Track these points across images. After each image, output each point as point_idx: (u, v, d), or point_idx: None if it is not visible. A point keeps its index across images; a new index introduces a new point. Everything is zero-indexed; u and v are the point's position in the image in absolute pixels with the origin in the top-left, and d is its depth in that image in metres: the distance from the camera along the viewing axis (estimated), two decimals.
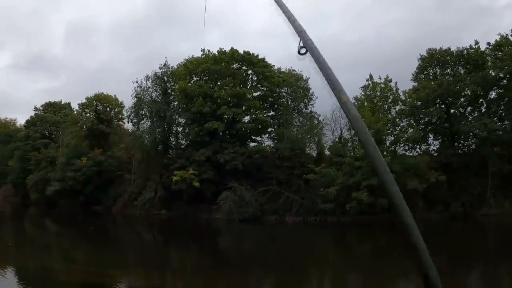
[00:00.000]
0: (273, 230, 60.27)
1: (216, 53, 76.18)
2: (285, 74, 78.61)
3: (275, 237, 55.15)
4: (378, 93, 63.92)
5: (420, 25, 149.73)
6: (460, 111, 66.68)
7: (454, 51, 65.64)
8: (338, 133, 70.30)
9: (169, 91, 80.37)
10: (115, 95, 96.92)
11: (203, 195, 67.72)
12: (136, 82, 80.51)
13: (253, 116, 73.75)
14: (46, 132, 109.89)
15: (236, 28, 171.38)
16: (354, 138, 66.51)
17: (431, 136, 67.46)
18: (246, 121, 73.64)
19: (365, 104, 63.20)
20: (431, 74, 68.04)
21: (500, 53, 62.77)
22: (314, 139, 73.65)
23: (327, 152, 70.79)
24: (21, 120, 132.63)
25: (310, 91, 78.94)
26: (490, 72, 62.19)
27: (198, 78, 76.56)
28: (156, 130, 78.62)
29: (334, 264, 38.54)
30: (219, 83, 74.05)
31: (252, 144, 76.06)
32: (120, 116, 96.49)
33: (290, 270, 33.20)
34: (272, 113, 78.47)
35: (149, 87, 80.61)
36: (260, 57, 75.35)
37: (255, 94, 76.19)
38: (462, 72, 65.58)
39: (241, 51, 75.00)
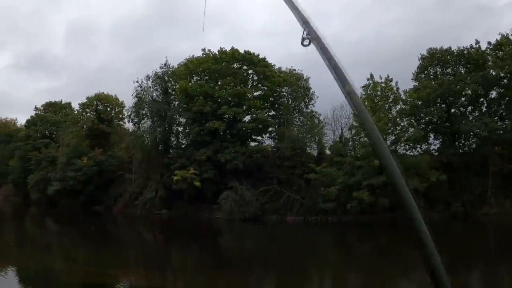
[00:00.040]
0: (274, 230, 60.29)
1: (217, 53, 76.20)
2: (285, 73, 78.56)
3: (276, 236, 55.18)
4: (378, 93, 63.94)
5: (420, 25, 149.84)
6: (461, 111, 66.62)
7: (454, 51, 65.59)
8: (339, 132, 70.30)
9: (169, 90, 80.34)
10: (115, 95, 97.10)
11: (204, 195, 67.70)
12: (137, 81, 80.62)
13: (254, 115, 73.74)
14: (47, 132, 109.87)
15: (236, 28, 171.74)
16: (354, 137, 66.56)
17: (431, 135, 67.40)
18: (247, 120, 73.68)
19: (366, 103, 63.03)
20: (431, 73, 67.98)
21: (500, 52, 62.74)
22: (315, 138, 73.62)
23: (327, 152, 70.80)
24: (21, 120, 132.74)
25: (311, 90, 79.03)
26: (491, 71, 62.12)
27: (198, 78, 76.57)
28: (156, 129, 78.65)
29: (335, 263, 38.56)
30: (219, 83, 74.07)
31: (252, 144, 76.01)
32: (121, 115, 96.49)
33: (291, 269, 33.21)
34: (272, 112, 78.39)
35: (150, 87, 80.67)
36: (260, 56, 75.39)
37: (255, 93, 76.17)
38: (462, 71, 65.51)
39: (241, 51, 75.02)
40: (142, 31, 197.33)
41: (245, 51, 74.89)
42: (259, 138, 78.25)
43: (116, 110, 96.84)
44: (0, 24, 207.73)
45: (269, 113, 77.35)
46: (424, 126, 65.90)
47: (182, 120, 78.86)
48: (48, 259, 38.73)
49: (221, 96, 70.01)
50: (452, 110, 66.16)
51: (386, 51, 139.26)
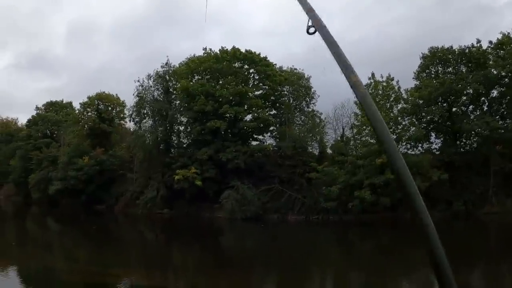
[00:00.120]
0: (275, 229, 60.27)
1: (218, 52, 76.21)
2: (286, 72, 78.54)
3: (277, 235, 55.15)
4: (380, 92, 63.88)
5: (420, 24, 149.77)
6: (462, 110, 66.62)
7: (456, 50, 65.58)
8: (340, 131, 70.46)
9: (171, 90, 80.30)
10: (116, 94, 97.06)
11: (205, 194, 67.68)
12: (138, 81, 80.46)
13: (255, 114, 73.67)
14: (48, 132, 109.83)
15: (237, 28, 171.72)
16: (356, 136, 66.58)
17: (433, 134, 67.43)
18: (248, 119, 73.60)
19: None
20: (433, 72, 67.98)
21: (502, 51, 62.74)
22: (316, 137, 73.71)
23: (329, 151, 70.87)
24: (22, 120, 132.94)
25: (312, 89, 78.99)
26: (492, 70, 62.10)
27: (200, 77, 76.57)
28: (158, 129, 78.68)
29: (337, 262, 38.55)
30: (221, 82, 74.01)
31: (254, 143, 76.07)
32: (122, 115, 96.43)
33: (293, 268, 33.20)
34: (274, 111, 78.34)
35: (151, 86, 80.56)
36: (261, 56, 75.34)
37: (257, 92, 76.15)
38: (464, 70, 65.53)
39: (242, 50, 74.98)
40: (142, 31, 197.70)
41: (246, 50, 74.89)
42: (260, 137, 78.47)
43: (117, 109, 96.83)
44: (1, 24, 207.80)
45: (270, 112, 77.36)
46: (425, 125, 65.90)
47: (184, 119, 78.91)
48: (49, 259, 38.72)
49: (223, 95, 69.95)
50: (454, 109, 66.20)
51: (387, 50, 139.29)
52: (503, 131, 60.70)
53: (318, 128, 74.18)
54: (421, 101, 64.20)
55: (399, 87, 64.88)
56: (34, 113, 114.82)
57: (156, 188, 72.90)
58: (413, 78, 68.82)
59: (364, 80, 63.83)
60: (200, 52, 79.04)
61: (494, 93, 64.52)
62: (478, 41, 64.58)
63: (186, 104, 74.51)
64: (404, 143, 63.48)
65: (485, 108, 65.29)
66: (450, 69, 67.00)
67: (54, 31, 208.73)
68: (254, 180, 66.58)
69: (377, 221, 56.73)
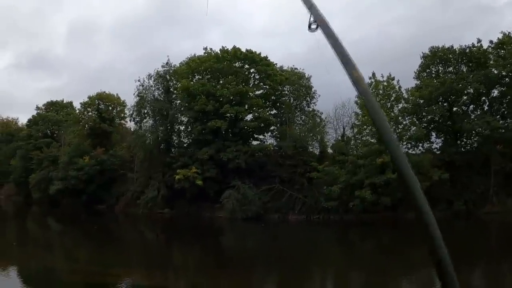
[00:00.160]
0: (276, 229, 60.29)
1: (219, 52, 76.18)
2: (287, 72, 78.49)
3: (278, 235, 55.16)
4: (380, 91, 63.84)
5: (420, 24, 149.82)
6: (463, 109, 66.62)
7: (456, 49, 65.56)
8: (341, 131, 70.46)
9: (171, 89, 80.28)
10: (117, 94, 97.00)
11: (206, 194, 67.69)
12: (139, 80, 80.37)
13: (256, 114, 73.60)
14: (48, 131, 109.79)
15: (237, 27, 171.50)
16: (356, 136, 66.61)
17: (433, 134, 67.43)
18: (249, 119, 73.48)
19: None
20: (433, 72, 67.96)
21: (502, 51, 62.69)
22: (317, 137, 73.73)
23: (330, 150, 70.91)
24: (23, 119, 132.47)
25: (313, 89, 78.96)
26: (493, 70, 62.07)
27: (200, 77, 76.54)
28: (158, 128, 78.64)
29: (338, 262, 38.55)
30: (221, 82, 73.93)
31: (254, 143, 76.09)
32: (122, 115, 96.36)
33: (293, 268, 33.22)
34: (274, 111, 78.30)
35: (152, 86, 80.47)
36: (262, 55, 75.31)
37: (257, 92, 76.12)
38: (464, 70, 65.50)
39: (243, 50, 74.96)
40: (143, 31, 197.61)
41: (247, 50, 74.83)
42: (261, 137, 78.46)
43: (118, 109, 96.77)
44: (1, 24, 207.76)
45: (271, 112, 77.35)
46: (426, 124, 65.88)
47: (184, 119, 78.88)
48: (50, 259, 38.76)
49: (223, 95, 69.93)
50: (454, 109, 66.21)
51: (387, 50, 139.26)
52: (503, 130, 60.69)
53: (318, 128, 74.18)
54: (421, 101, 64.24)
55: (399, 87, 64.95)
56: (34, 113, 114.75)
57: (156, 188, 72.87)
58: (413, 77, 68.94)
59: (365, 79, 63.68)
60: (200, 52, 79.19)
61: (495, 92, 64.54)
62: (479, 40, 64.60)
63: (186, 104, 74.44)
64: (404, 143, 63.43)
65: (486, 108, 65.29)
66: (450, 68, 66.98)
67: (55, 31, 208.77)
68: (255, 179, 66.61)
69: (377, 221, 56.75)
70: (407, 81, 68.98)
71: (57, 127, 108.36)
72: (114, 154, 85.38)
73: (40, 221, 74.85)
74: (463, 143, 67.49)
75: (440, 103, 64.63)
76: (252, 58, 74.53)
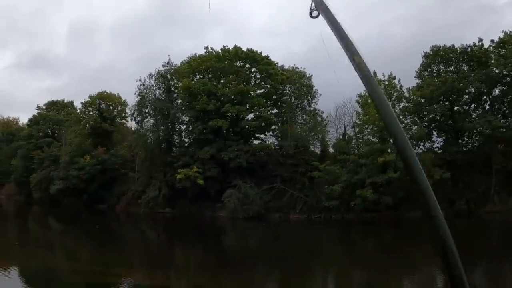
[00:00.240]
0: (278, 228, 60.25)
1: (220, 51, 76.12)
2: (288, 71, 78.45)
3: (279, 234, 55.12)
4: (382, 91, 63.75)
5: (421, 24, 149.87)
6: (464, 108, 66.58)
7: (457, 48, 65.51)
8: (342, 130, 70.37)
9: (172, 89, 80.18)
10: (118, 93, 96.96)
11: (207, 193, 67.69)
12: (140, 80, 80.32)
13: (257, 113, 73.65)
14: (49, 131, 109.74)
15: (237, 27, 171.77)
16: (358, 135, 66.57)
17: (435, 133, 67.38)
18: (250, 118, 73.39)
19: (369, 101, 63.09)
20: (435, 71, 67.88)
21: (503, 50, 62.64)
22: (318, 136, 73.69)
23: (331, 150, 70.75)
24: (23, 119, 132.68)
25: (314, 88, 78.92)
26: (494, 69, 62.03)
27: (201, 76, 76.55)
28: (159, 128, 78.61)
29: (339, 261, 38.54)
30: (222, 81, 73.93)
31: (256, 142, 76.12)
32: (123, 114, 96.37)
33: (295, 267, 33.21)
34: (275, 110, 78.29)
35: (153, 85, 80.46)
36: (263, 54, 75.28)
37: (258, 91, 76.15)
38: (466, 69, 65.45)
39: (244, 49, 74.92)
40: (143, 30, 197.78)
41: (248, 49, 74.80)
42: (262, 136, 78.43)
43: (119, 108, 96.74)
44: (2, 23, 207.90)
45: (272, 111, 77.32)
46: (427, 123, 65.85)
47: (185, 118, 78.89)
48: (51, 258, 38.77)
49: (224, 94, 69.90)
50: (455, 108, 66.18)
51: (387, 50, 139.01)
52: (504, 130, 60.70)
53: (320, 127, 74.14)
54: (423, 100, 64.23)
55: (401, 86, 64.96)
56: (35, 112, 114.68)
57: (158, 187, 72.86)
58: (415, 76, 68.90)
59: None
60: (201, 51, 79.26)
61: (496, 91, 64.51)
62: (480, 40, 64.52)
63: (187, 103, 74.38)
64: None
65: (487, 107, 65.30)
66: (452, 67, 66.90)
67: (55, 30, 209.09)
68: (256, 179, 66.60)
69: (379, 220, 56.76)
70: (407, 80, 68.91)
71: (58, 127, 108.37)
72: (115, 153, 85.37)
73: (41, 220, 74.83)
74: (464, 142, 67.51)
75: (441, 102, 64.62)
76: (253, 58, 74.50)
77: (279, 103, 78.14)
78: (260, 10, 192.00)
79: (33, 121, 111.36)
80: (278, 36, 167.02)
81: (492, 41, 63.84)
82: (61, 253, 42.68)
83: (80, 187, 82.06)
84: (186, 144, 79.18)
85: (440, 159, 60.87)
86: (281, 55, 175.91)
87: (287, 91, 78.90)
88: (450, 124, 66.04)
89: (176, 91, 79.56)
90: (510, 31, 62.18)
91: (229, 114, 71.59)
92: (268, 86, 75.00)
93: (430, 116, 65.61)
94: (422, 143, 65.14)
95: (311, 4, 3.93)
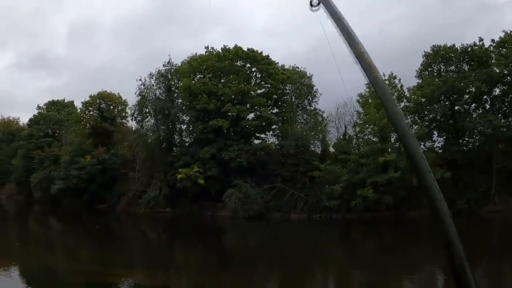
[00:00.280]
0: (278, 228, 60.24)
1: (220, 51, 76.10)
2: (288, 71, 78.47)
3: (280, 234, 55.08)
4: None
5: (421, 22, 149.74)
6: (465, 108, 66.52)
7: (458, 48, 65.45)
8: (343, 130, 70.21)
9: (173, 88, 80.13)
10: (118, 93, 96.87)
11: (208, 193, 67.68)
12: (140, 80, 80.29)
13: (258, 113, 73.62)
14: (50, 131, 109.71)
15: (237, 27, 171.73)
16: (358, 135, 66.54)
17: (435, 133, 67.33)
18: (251, 118, 73.40)
19: (370, 100, 63.11)
20: (435, 70, 67.81)
21: (504, 50, 62.58)
22: (319, 136, 73.65)
23: (331, 149, 70.65)
24: (24, 119, 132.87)
25: (314, 88, 78.97)
26: (495, 68, 62.04)
27: (202, 76, 76.54)
28: (160, 128, 78.55)
29: (339, 261, 38.53)
30: (223, 81, 73.91)
31: (256, 142, 76.06)
32: (124, 114, 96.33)
33: (295, 267, 33.19)
34: (276, 110, 78.29)
35: (153, 85, 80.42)
36: (263, 54, 75.26)
37: (259, 91, 76.10)
38: (466, 69, 65.38)
39: (244, 49, 74.92)
40: (143, 31, 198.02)
41: (248, 49, 74.77)
42: (262, 135, 78.35)
43: (119, 108, 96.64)
44: (3, 23, 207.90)
45: (273, 111, 77.29)
46: (428, 123, 65.83)
47: (186, 118, 78.92)
48: (51, 258, 38.79)
49: (225, 94, 69.91)
50: (456, 108, 66.13)
51: (386, 49, 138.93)
52: (505, 129, 60.69)
53: (320, 127, 74.09)
54: (423, 100, 64.16)
55: (401, 85, 64.89)
56: (35, 112, 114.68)
57: (158, 187, 72.86)
58: (415, 76, 68.86)
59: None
60: (201, 51, 79.25)
61: (497, 91, 64.49)
62: (481, 39, 64.47)
63: (188, 103, 74.35)
64: None
65: (488, 107, 65.28)
66: (452, 67, 66.83)
67: (55, 30, 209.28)
68: (257, 178, 66.60)
69: (379, 220, 56.73)
70: (408, 80, 68.97)
71: (58, 127, 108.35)
72: (116, 153, 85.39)
73: (41, 220, 74.89)
74: (465, 141, 67.48)
75: (442, 101, 64.59)
76: (254, 57, 74.49)
77: (279, 103, 78.18)
78: (260, 10, 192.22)
79: (33, 121, 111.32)
80: (278, 36, 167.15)
81: (492, 40, 63.84)
82: (62, 253, 42.69)
83: (81, 187, 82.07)
84: (186, 144, 79.23)
85: (441, 159, 60.80)
86: (281, 54, 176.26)
87: (288, 90, 78.95)
88: (451, 124, 66.01)
89: (176, 90, 79.52)
90: (511, 31, 62.18)
91: (230, 113, 71.56)
92: (269, 85, 74.99)
93: (431, 115, 65.63)
94: (422, 143, 64.97)
95: None
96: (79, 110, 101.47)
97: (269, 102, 76.85)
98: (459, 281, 2.92)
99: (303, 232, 56.13)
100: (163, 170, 73.94)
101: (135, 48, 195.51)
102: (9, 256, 36.73)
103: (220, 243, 50.66)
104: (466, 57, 65.23)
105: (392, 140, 62.30)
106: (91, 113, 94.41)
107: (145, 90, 79.96)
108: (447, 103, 65.11)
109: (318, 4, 3.80)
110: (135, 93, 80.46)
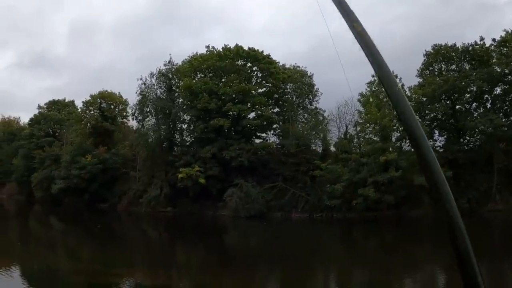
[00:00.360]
0: (279, 227, 60.19)
1: (221, 50, 76.13)
2: (289, 70, 78.52)
3: (281, 233, 55.00)
4: (383, 89, 63.61)
5: (421, 22, 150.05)
6: (466, 107, 66.53)
7: (459, 47, 65.47)
8: (344, 129, 70.22)
9: (174, 88, 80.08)
10: (119, 93, 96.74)
11: (209, 192, 67.67)
12: (141, 79, 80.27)
13: (258, 112, 73.65)
14: (50, 130, 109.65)
15: (238, 26, 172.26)
16: (359, 134, 66.50)
17: (436, 132, 67.34)
18: (251, 117, 73.46)
19: (371, 100, 63.12)
20: (436, 70, 67.81)
21: (505, 49, 62.58)
22: (319, 135, 73.57)
23: (332, 149, 70.57)
24: (24, 119, 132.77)
25: (315, 87, 78.99)
26: (496, 68, 62.04)
27: (202, 75, 76.54)
28: (161, 127, 78.50)
29: (341, 260, 38.46)
30: (224, 80, 74.01)
31: (257, 141, 76.07)
32: (125, 113, 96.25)
33: (296, 266, 33.14)
34: (277, 109, 78.41)
35: (154, 84, 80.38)
36: (264, 53, 75.24)
37: (260, 90, 76.10)
38: (467, 68, 65.41)
39: (245, 48, 74.90)
40: (143, 30, 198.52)
41: (249, 48, 74.81)
42: (263, 135, 78.40)
43: (120, 107, 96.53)
44: (3, 23, 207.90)
45: (274, 110, 77.39)
46: (429, 122, 65.79)
47: (187, 117, 78.89)
48: (52, 258, 38.75)
49: (226, 93, 69.92)
50: (457, 107, 66.11)
51: (387, 49, 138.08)
52: (506, 128, 60.77)
53: (321, 126, 74.06)
54: (424, 99, 64.14)
55: (402, 85, 64.75)
56: (36, 111, 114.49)
57: (159, 187, 72.87)
58: (416, 75, 68.91)
59: (368, 77, 63.72)
60: (202, 50, 79.30)
61: (498, 90, 64.54)
62: (482, 38, 64.55)
63: (189, 102, 74.36)
64: (407, 141, 63.34)
65: (489, 106, 65.32)
66: (453, 66, 66.87)
67: (56, 30, 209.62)
68: (258, 178, 66.60)
69: (380, 219, 56.71)
70: (408, 79, 68.93)
71: (59, 126, 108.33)
72: (117, 152, 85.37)
73: (42, 220, 74.82)
74: (466, 141, 67.47)
75: (443, 101, 64.58)
76: (255, 56, 74.50)
77: (280, 102, 78.19)
78: (260, 10, 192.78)
79: (34, 121, 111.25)
80: (279, 35, 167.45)
81: (493, 40, 63.87)
82: (63, 253, 42.65)
83: (82, 187, 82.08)
84: (187, 143, 79.28)
85: (442, 158, 60.62)
86: (282, 54, 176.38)
87: (289, 90, 79.01)
88: (452, 123, 65.96)
89: (177, 90, 79.49)
90: None
91: (231, 113, 71.49)
92: (270, 85, 75.01)
93: (432, 115, 65.63)
94: None
95: None
96: (79, 110, 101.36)
97: (270, 101, 76.83)
98: (462, 262, 2.88)
99: (304, 232, 56.11)
100: (164, 170, 73.93)
101: (135, 48, 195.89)
102: (10, 256, 36.70)
103: (221, 242, 50.62)
104: (467, 56, 65.28)
105: (393, 139, 62.34)
106: (92, 112, 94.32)
107: (146, 90, 79.97)
108: (448, 102, 65.09)
109: None
110: (136, 92, 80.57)
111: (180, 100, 79.34)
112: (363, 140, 65.86)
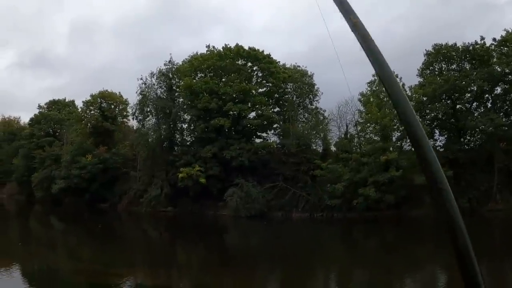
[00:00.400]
0: (280, 227, 60.23)
1: (221, 50, 76.14)
2: (290, 70, 78.46)
3: (281, 233, 55.04)
4: (384, 89, 63.55)
5: (421, 22, 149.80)
6: (466, 107, 66.49)
7: (460, 47, 65.42)
8: (344, 129, 70.22)
9: (174, 87, 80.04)
10: (119, 92, 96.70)
11: (210, 192, 67.67)
12: (141, 79, 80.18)
13: (259, 112, 73.64)
14: (50, 130, 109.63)
15: (238, 26, 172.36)
16: (360, 134, 66.48)
17: (437, 131, 67.30)
18: (252, 117, 73.49)
19: (371, 99, 63.09)
20: (437, 69, 67.78)
21: (505, 48, 62.56)
22: (320, 135, 73.56)
23: (333, 148, 70.57)
24: (25, 118, 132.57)
25: (315, 87, 78.93)
26: (496, 67, 62.04)
27: (203, 75, 76.50)
28: (161, 127, 78.52)
29: (341, 260, 38.46)
30: (224, 80, 74.07)
31: (258, 140, 76.07)
32: (125, 113, 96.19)
33: (297, 266, 33.15)
34: (277, 109, 78.45)
35: (154, 84, 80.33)
36: (265, 53, 75.23)
37: (260, 90, 76.09)
38: (468, 67, 65.39)
39: (246, 47, 74.90)
40: (143, 30, 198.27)
41: (249, 48, 74.84)
42: (264, 134, 78.37)
43: (120, 107, 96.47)
44: (4, 23, 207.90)
45: (274, 110, 77.47)
46: (429, 122, 65.76)
47: (187, 117, 78.82)
48: (53, 258, 38.79)
49: (226, 93, 69.94)
50: (458, 106, 66.07)
51: (388, 49, 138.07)
52: (507, 128, 60.77)
53: (322, 126, 74.04)
54: (425, 98, 64.09)
55: (403, 84, 64.73)
56: (36, 111, 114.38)
57: (160, 186, 72.84)
58: (417, 75, 68.86)
59: (368, 77, 63.74)
60: (202, 50, 79.23)
61: (498, 90, 64.51)
62: (482, 38, 64.51)
63: (189, 102, 74.36)
64: (408, 141, 63.29)
65: (489, 105, 65.30)
66: (454, 66, 66.84)
67: (56, 30, 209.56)
68: (258, 177, 66.60)
69: (381, 219, 56.69)
70: (408, 79, 68.90)
71: (60, 126, 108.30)
72: (117, 152, 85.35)
73: (42, 220, 74.86)
74: (466, 140, 67.46)
75: (443, 100, 64.55)
76: (255, 56, 74.52)
77: (281, 102, 78.21)
78: (260, 10, 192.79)
79: (34, 120, 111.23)
80: (279, 35, 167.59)
81: (494, 39, 63.83)
82: (63, 253, 42.68)
83: (82, 186, 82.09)
84: (188, 143, 79.29)
85: (443, 158, 60.61)
86: (282, 54, 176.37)
87: (289, 89, 79.02)
88: (452, 123, 65.92)
89: (177, 89, 79.45)
90: None
91: (231, 112, 71.49)
92: (270, 84, 75.05)
93: (432, 114, 65.59)
94: None
95: None
96: (80, 110, 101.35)
97: (271, 101, 76.87)
98: (462, 261, 2.88)
99: (304, 231, 56.16)
100: (165, 169, 73.94)
101: (135, 48, 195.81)
102: (10, 255, 36.71)
103: (221, 242, 50.64)
104: (467, 55, 65.25)
105: (394, 139, 62.32)
106: (92, 112, 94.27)
107: (146, 89, 79.93)
108: (448, 101, 65.07)
109: None
110: (136, 92, 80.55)
111: (181, 99, 79.34)
112: (363, 140, 65.85)
